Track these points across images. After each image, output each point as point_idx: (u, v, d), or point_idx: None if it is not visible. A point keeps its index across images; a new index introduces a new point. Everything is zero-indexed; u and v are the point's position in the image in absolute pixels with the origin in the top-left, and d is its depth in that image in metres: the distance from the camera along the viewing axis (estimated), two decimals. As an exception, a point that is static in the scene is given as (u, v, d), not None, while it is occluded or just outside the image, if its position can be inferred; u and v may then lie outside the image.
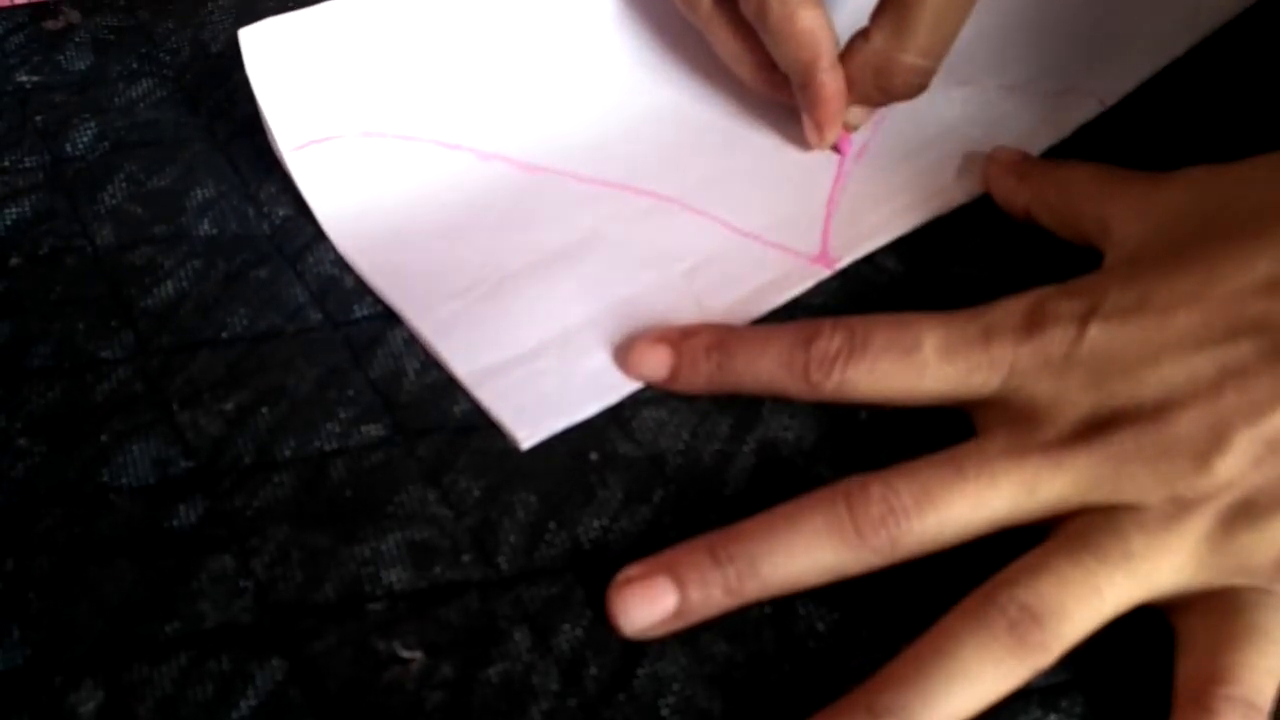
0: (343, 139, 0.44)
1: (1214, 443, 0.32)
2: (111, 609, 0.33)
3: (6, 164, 0.45)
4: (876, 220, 0.43)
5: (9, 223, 0.43)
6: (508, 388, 0.38)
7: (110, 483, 0.35)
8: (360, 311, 0.40)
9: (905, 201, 0.43)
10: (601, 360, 0.39)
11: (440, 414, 0.37)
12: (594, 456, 0.36)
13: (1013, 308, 0.36)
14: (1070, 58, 0.48)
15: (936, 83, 0.44)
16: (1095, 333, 0.34)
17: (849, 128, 0.45)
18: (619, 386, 0.38)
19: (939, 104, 0.47)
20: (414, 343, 0.39)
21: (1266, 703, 0.31)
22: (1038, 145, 0.45)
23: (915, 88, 0.44)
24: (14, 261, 0.41)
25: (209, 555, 0.34)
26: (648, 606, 0.32)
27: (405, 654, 0.32)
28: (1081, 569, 0.32)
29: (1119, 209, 0.39)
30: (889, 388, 0.36)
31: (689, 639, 0.33)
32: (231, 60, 0.49)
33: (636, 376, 0.38)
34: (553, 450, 0.37)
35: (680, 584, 0.32)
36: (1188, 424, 0.32)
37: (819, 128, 0.44)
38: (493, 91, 0.46)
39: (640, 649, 0.32)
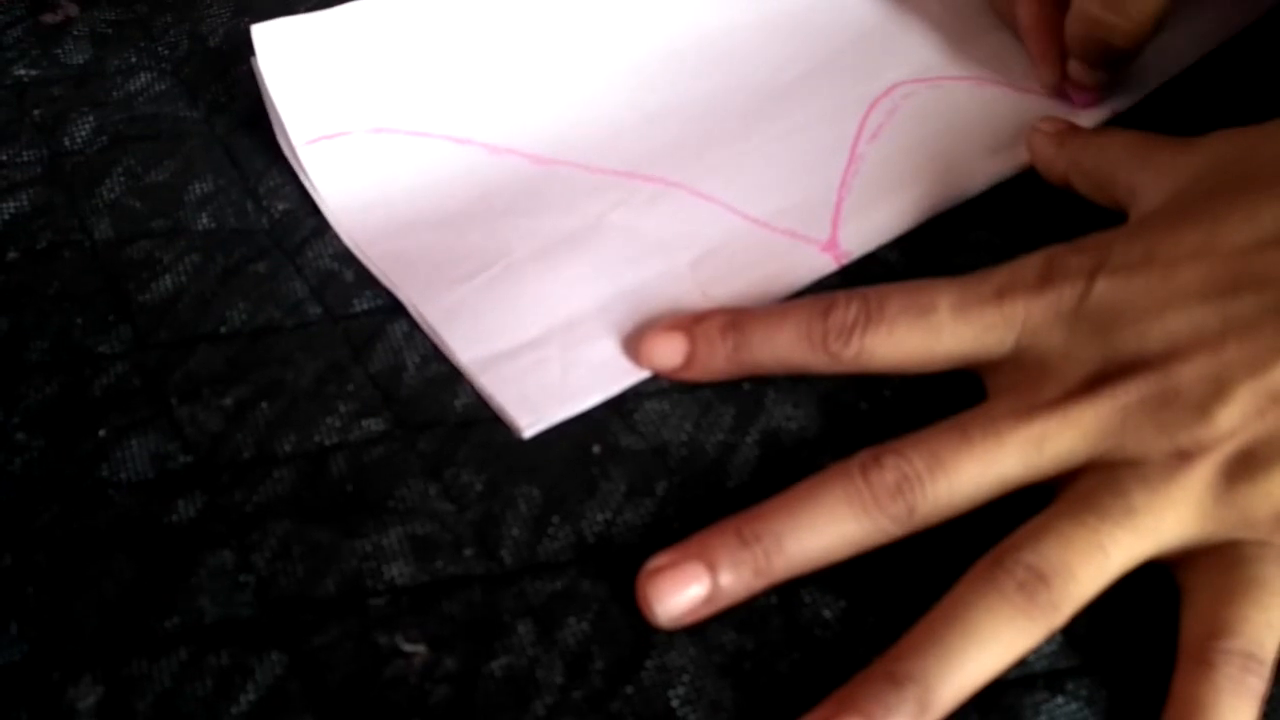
0: (353, 135, 0.44)
1: (1216, 393, 0.33)
2: (111, 604, 0.32)
3: (4, 158, 0.44)
4: (887, 208, 0.43)
5: (7, 217, 0.42)
6: (510, 376, 0.38)
7: (109, 478, 0.35)
8: (360, 305, 0.40)
9: (917, 191, 0.43)
10: (605, 349, 0.38)
11: (441, 408, 0.37)
12: (596, 449, 0.36)
13: (1025, 266, 0.36)
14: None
15: (952, 78, 0.44)
16: (1102, 286, 0.35)
17: (1075, 84, 0.46)
18: (623, 376, 0.38)
19: (957, 96, 0.47)
20: (414, 336, 0.39)
21: (1267, 655, 0.31)
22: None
23: (1119, 49, 0.44)
24: (12, 256, 0.41)
25: (208, 550, 0.34)
26: (680, 593, 0.32)
27: (408, 648, 0.32)
28: (1085, 528, 0.32)
29: (1148, 175, 0.39)
30: (906, 352, 0.36)
31: (697, 630, 0.32)
32: (230, 54, 0.49)
33: (650, 367, 0.38)
34: (555, 443, 0.36)
35: (711, 568, 0.33)
36: (1190, 375, 0.33)
37: (1033, 60, 0.47)
38: (502, 86, 0.46)
39: (647, 641, 0.32)
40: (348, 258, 0.41)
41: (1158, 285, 0.34)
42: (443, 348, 0.39)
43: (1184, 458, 0.33)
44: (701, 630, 0.32)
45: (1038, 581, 0.31)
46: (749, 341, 0.37)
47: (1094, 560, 0.32)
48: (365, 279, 0.41)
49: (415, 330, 0.39)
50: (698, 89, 0.47)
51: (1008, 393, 0.35)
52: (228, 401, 0.37)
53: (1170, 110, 0.46)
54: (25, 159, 0.45)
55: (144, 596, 0.33)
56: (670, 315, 0.39)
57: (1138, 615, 0.33)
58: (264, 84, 0.43)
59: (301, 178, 0.44)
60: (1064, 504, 0.33)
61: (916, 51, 0.49)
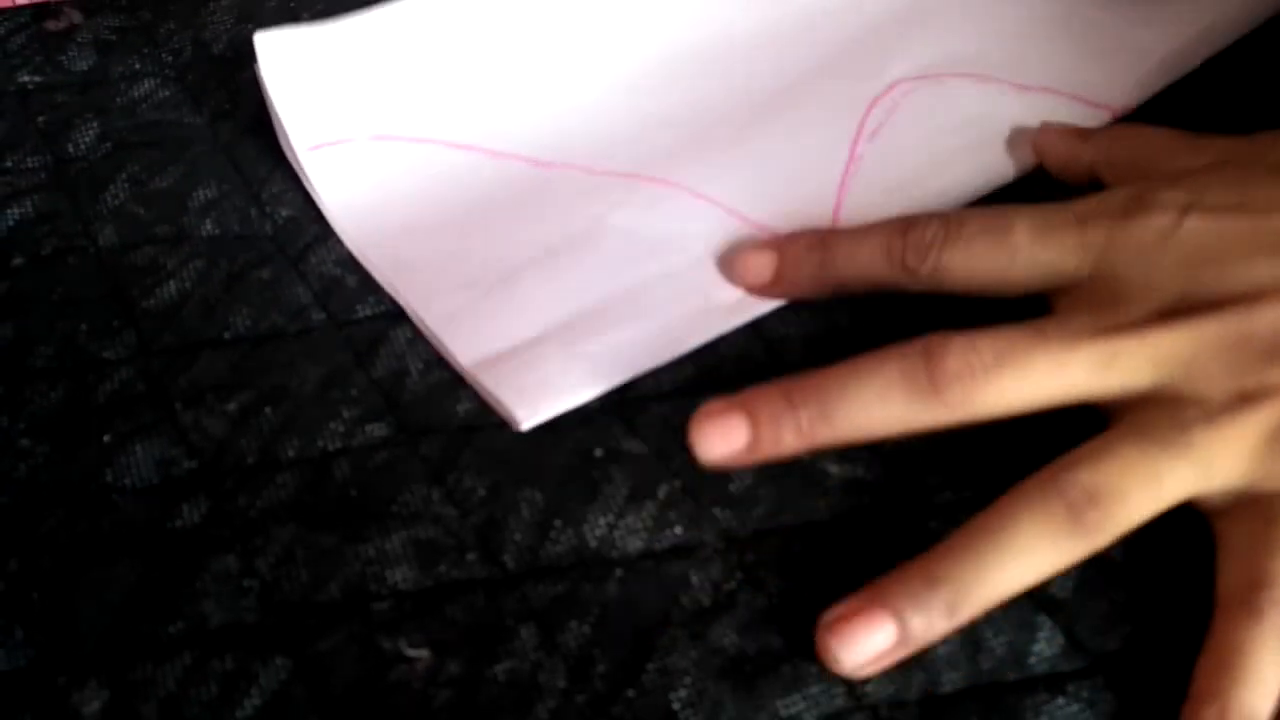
0: (354, 142, 0.44)
1: None
2: (115, 609, 0.33)
3: (9, 164, 0.45)
4: (888, 207, 0.42)
5: (11, 223, 0.42)
6: (509, 372, 0.38)
7: (113, 483, 0.35)
8: (363, 311, 0.40)
9: (916, 190, 0.43)
10: (603, 345, 0.39)
11: (444, 413, 0.37)
12: (599, 453, 0.36)
13: (1112, 195, 0.37)
14: (1087, 66, 0.48)
15: (954, 75, 0.44)
16: (1192, 223, 0.35)
17: None
18: (621, 371, 0.38)
19: (956, 96, 0.46)
20: (417, 342, 0.39)
21: None
22: None
23: None
24: (16, 262, 0.41)
25: (213, 555, 0.34)
26: (722, 440, 0.33)
27: (411, 652, 0.32)
28: (1145, 455, 0.32)
29: (1204, 160, 0.39)
30: (982, 272, 0.37)
31: (698, 632, 0.33)
32: (234, 61, 0.49)
33: (742, 283, 0.40)
34: (557, 447, 0.36)
35: (754, 421, 0.33)
36: (1266, 320, 0.33)
37: None
38: (503, 91, 0.46)
39: (649, 644, 0.32)
40: (351, 264, 0.41)
41: (1248, 231, 0.34)
42: (443, 352, 0.39)
43: (1247, 400, 0.33)
44: (703, 633, 0.33)
45: (1088, 501, 0.32)
46: (833, 258, 0.39)
47: (1149, 488, 0.32)
48: (368, 285, 0.41)
49: (418, 336, 0.39)
50: (699, 91, 0.47)
51: (1084, 308, 0.35)
52: (231, 407, 0.37)
53: (1173, 111, 0.46)
54: (30, 165, 0.45)
55: (148, 601, 0.33)
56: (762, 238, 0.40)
57: (1140, 618, 0.33)
58: (266, 91, 0.43)
59: (305, 184, 0.44)
60: (1126, 428, 0.33)
61: (918, 49, 0.48)
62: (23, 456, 0.36)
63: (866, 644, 0.31)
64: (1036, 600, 0.33)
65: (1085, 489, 0.32)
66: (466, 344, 0.39)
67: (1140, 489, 0.32)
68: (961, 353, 0.33)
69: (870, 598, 0.32)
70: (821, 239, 0.39)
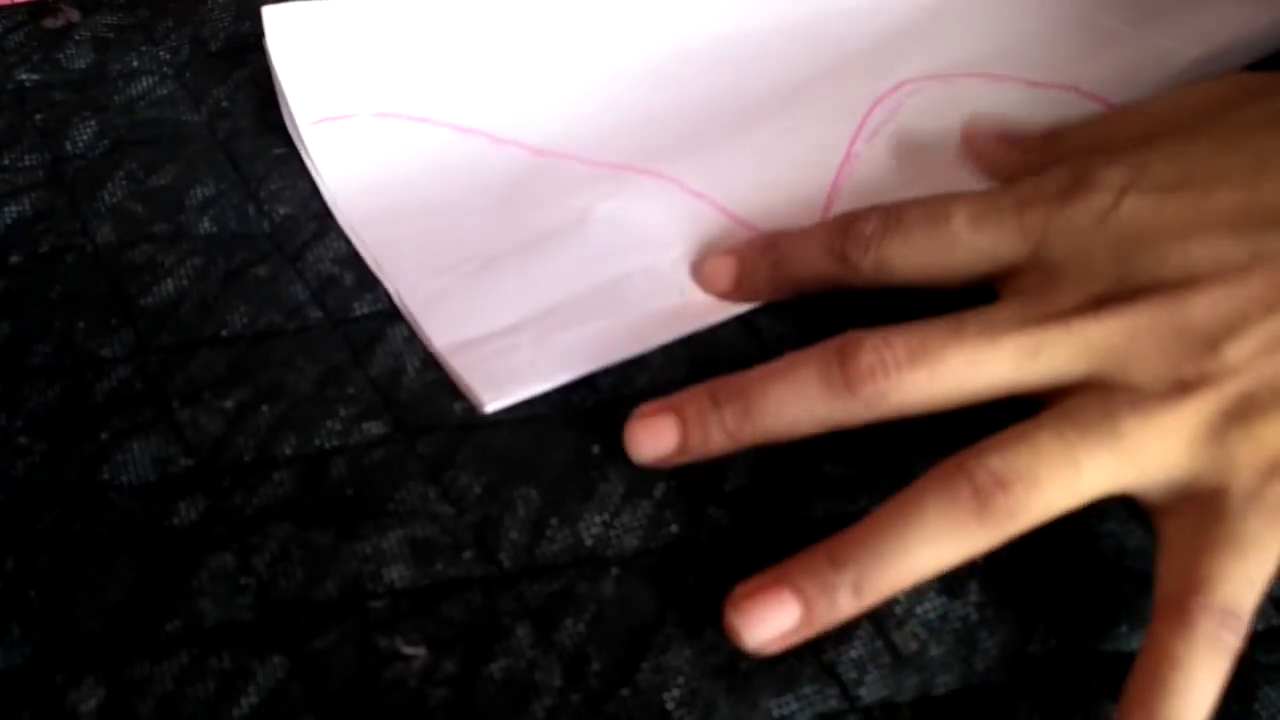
0: (356, 118, 0.44)
1: (1227, 328, 0.32)
2: (112, 607, 0.33)
3: (6, 162, 0.45)
4: None
5: (9, 221, 0.42)
6: (480, 359, 0.38)
7: (110, 481, 0.35)
8: (360, 309, 0.40)
9: (912, 192, 0.43)
10: (576, 335, 0.39)
11: (441, 411, 0.37)
12: (595, 451, 0.36)
13: (1050, 177, 0.36)
14: (1097, 65, 0.47)
15: (964, 75, 0.43)
16: (1131, 203, 0.34)
17: None
18: (590, 361, 0.38)
19: (965, 95, 0.46)
20: (414, 340, 0.39)
21: (1244, 611, 0.31)
22: None
23: None
24: (14, 260, 0.41)
25: (210, 553, 0.34)
26: (652, 442, 0.35)
27: (407, 651, 0.32)
28: (1062, 441, 0.32)
29: (1158, 112, 0.38)
30: (923, 263, 0.36)
31: (694, 631, 0.33)
32: (232, 59, 0.49)
33: (710, 291, 0.40)
34: (554, 446, 0.36)
35: (681, 420, 0.34)
36: (1205, 306, 0.32)
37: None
38: (510, 77, 0.47)
39: (644, 643, 0.32)
40: (348, 261, 0.42)
41: (1188, 209, 0.34)
42: (419, 333, 0.39)
43: (1184, 389, 0.32)
44: (699, 632, 0.33)
45: (996, 486, 0.31)
46: (783, 258, 0.39)
47: (1063, 474, 0.31)
48: (365, 283, 0.41)
49: (415, 334, 0.39)
50: (705, 86, 0.47)
51: (1014, 298, 0.35)
52: (229, 405, 0.37)
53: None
54: (27, 163, 0.45)
55: (145, 599, 0.33)
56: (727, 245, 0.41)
57: (1137, 618, 0.33)
58: (271, 63, 0.44)
59: (304, 158, 0.44)
60: (1047, 416, 0.32)
61: (930, 50, 0.48)
62: (20, 454, 0.36)
63: (771, 623, 0.31)
64: (1031, 603, 0.33)
65: (994, 474, 0.31)
66: (442, 326, 0.39)
67: (1053, 477, 0.31)
68: (874, 349, 0.33)
69: (776, 577, 0.32)
70: (771, 241, 0.39)
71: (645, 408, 0.35)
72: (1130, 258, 0.34)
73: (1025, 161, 0.39)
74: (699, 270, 0.40)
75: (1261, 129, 0.35)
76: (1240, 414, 0.32)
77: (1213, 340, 0.32)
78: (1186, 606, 0.30)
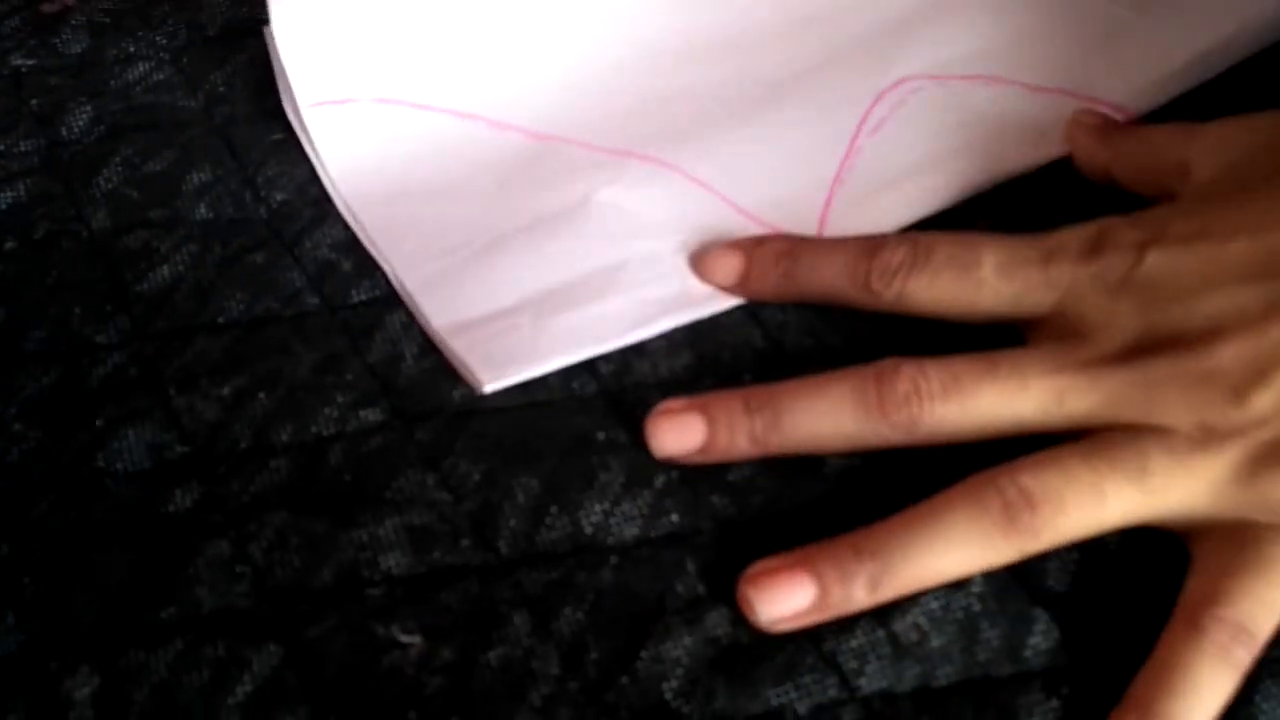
0: (358, 103, 0.44)
1: (1254, 377, 0.33)
2: (107, 594, 0.32)
3: (2, 148, 0.44)
4: (880, 204, 0.42)
5: (4, 207, 0.42)
6: (479, 340, 0.38)
7: (106, 468, 0.35)
8: (358, 296, 0.40)
9: (912, 188, 0.43)
10: (575, 318, 0.39)
11: (439, 398, 0.37)
12: (595, 439, 0.36)
13: (1076, 233, 0.37)
14: (1102, 69, 0.47)
15: (965, 77, 0.44)
16: (1153, 258, 0.35)
17: None
18: (588, 345, 0.38)
19: (965, 94, 0.46)
20: (412, 327, 0.39)
21: (1260, 630, 0.31)
22: (1052, 151, 0.44)
23: None
24: (9, 245, 0.41)
25: (205, 540, 0.34)
26: (677, 437, 0.35)
27: (404, 638, 0.32)
28: (1092, 471, 0.33)
29: (1199, 150, 0.39)
30: (946, 301, 0.37)
31: (694, 619, 0.32)
32: (229, 44, 0.49)
33: (710, 282, 0.40)
34: (554, 434, 0.36)
35: (710, 422, 0.35)
36: (1230, 355, 0.33)
37: None
38: (509, 63, 0.46)
39: (643, 631, 0.32)
40: (346, 248, 0.41)
41: (1208, 261, 0.34)
42: (417, 315, 0.39)
43: (1212, 435, 0.33)
44: (698, 620, 0.32)
45: (1024, 503, 0.32)
46: (798, 269, 0.39)
47: (1089, 501, 0.32)
48: (363, 269, 0.41)
49: (413, 321, 0.39)
50: (708, 75, 0.47)
51: (1044, 344, 0.36)
52: (225, 392, 0.37)
53: (1179, 113, 0.46)
54: (23, 149, 0.44)
55: (141, 587, 0.33)
56: (729, 240, 0.40)
57: (1137, 615, 0.33)
58: (274, 45, 0.44)
59: (303, 141, 0.44)
60: (1080, 445, 0.33)
61: (932, 47, 0.48)
62: (15, 441, 0.36)
63: (785, 601, 0.32)
64: (1033, 594, 0.33)
65: (1024, 492, 0.32)
66: (441, 307, 0.39)
67: (1079, 502, 0.32)
68: (911, 378, 0.34)
69: (798, 559, 0.32)
70: (789, 249, 0.39)
71: (671, 403, 0.35)
72: (1154, 310, 0.34)
73: (1115, 158, 0.41)
74: (702, 261, 0.40)
75: (1267, 178, 0.36)
76: (1272, 458, 0.32)
77: (1239, 390, 0.33)
78: (1201, 616, 0.31)
